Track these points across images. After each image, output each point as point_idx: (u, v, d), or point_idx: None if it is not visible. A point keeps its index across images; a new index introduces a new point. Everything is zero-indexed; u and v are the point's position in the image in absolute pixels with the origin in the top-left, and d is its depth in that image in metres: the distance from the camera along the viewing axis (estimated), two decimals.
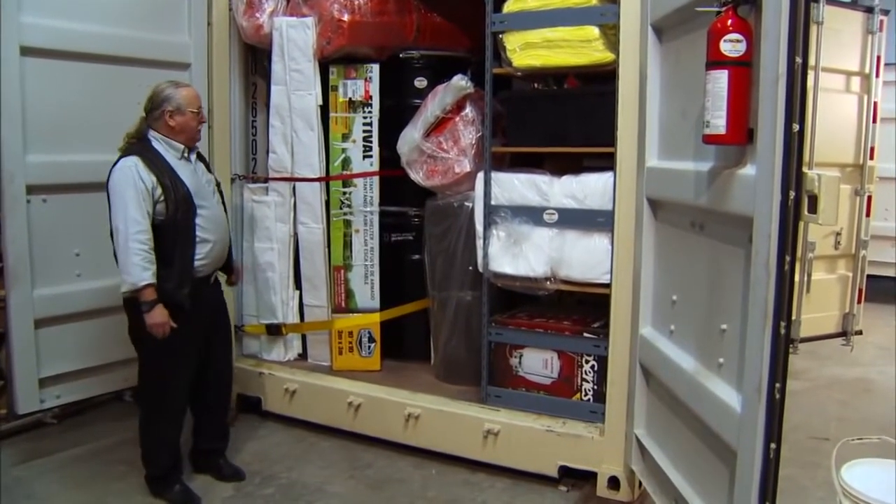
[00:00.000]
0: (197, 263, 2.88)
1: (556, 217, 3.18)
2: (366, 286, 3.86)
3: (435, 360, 3.83)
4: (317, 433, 3.69)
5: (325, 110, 3.77)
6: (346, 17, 3.54)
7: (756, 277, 1.75)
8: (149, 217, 2.74)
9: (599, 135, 3.01)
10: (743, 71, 1.83)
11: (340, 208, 3.82)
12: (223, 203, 3.12)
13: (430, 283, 3.73)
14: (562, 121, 3.19)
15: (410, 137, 3.55)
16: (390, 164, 3.71)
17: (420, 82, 3.85)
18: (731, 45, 1.81)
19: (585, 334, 3.23)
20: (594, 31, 2.99)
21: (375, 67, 3.74)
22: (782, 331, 1.69)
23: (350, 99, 3.76)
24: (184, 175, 2.85)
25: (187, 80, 3.62)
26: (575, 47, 3.05)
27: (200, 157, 3.08)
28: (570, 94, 3.26)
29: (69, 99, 3.30)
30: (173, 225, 2.79)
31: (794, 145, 1.62)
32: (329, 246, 3.84)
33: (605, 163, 3.06)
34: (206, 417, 3.22)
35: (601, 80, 3.15)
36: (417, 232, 3.90)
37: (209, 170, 3.16)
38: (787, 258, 1.66)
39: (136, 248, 2.70)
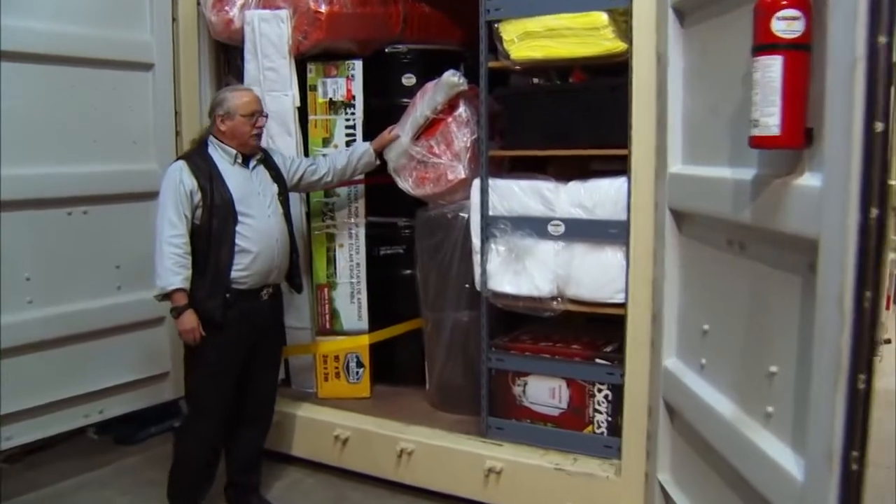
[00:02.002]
0: (235, 274, 2.75)
1: (562, 229, 2.83)
2: (352, 305, 3.51)
3: (430, 387, 3.48)
4: (301, 468, 3.40)
5: (303, 112, 3.42)
6: (323, 9, 3.18)
7: (825, 317, 1.39)
8: (187, 221, 2.70)
9: (610, 135, 2.68)
10: (801, 56, 1.47)
11: (323, 220, 3.48)
12: (287, 215, 2.95)
13: (423, 301, 3.38)
14: (567, 120, 2.84)
15: (398, 142, 3.19)
16: (377, 170, 3.35)
17: (408, 79, 3.51)
18: (786, 24, 1.44)
19: (598, 360, 2.89)
20: (602, 17, 2.64)
21: (358, 64, 3.39)
22: (861, 385, 1.32)
23: (331, 99, 3.42)
24: (232, 181, 2.77)
25: (149, 82, 3.32)
26: (581, 36, 2.70)
27: (269, 165, 2.94)
28: (576, 89, 2.91)
29: (10, 106, 2.92)
30: (209, 231, 2.72)
31: (877, 149, 1.26)
32: (311, 262, 3.50)
33: (617, 166, 2.75)
34: (239, 445, 3.03)
35: (611, 72, 2.81)
36: (409, 245, 3.55)
37: (277, 179, 2.94)
38: (868, 294, 1.29)
39: (170, 251, 2.67)
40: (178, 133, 3.45)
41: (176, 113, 3.45)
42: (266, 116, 2.92)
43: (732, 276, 1.94)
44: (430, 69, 3.34)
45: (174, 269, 2.67)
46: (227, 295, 2.74)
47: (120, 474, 3.39)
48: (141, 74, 3.31)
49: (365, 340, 3.52)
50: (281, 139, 3.35)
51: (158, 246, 2.69)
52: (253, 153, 2.88)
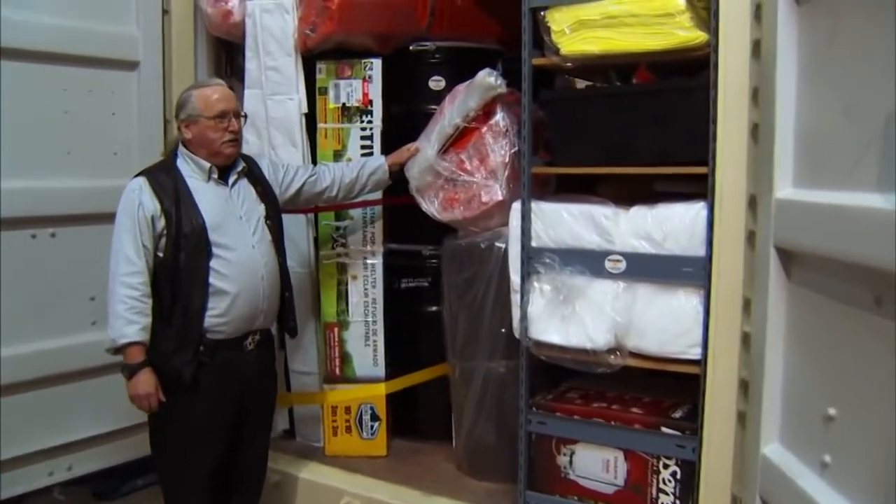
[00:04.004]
0: (210, 321, 2.26)
1: (622, 265, 2.30)
2: (366, 349, 3.00)
3: (457, 446, 2.95)
4: None
5: (311, 120, 2.95)
6: None
7: None
8: (148, 255, 2.24)
9: (684, 149, 2.20)
10: None
11: (333, 248, 2.98)
12: (277, 243, 2.46)
13: (451, 347, 2.85)
14: (630, 130, 2.32)
15: (422, 155, 2.68)
16: (398, 189, 2.85)
17: (436, 82, 3.02)
18: None
19: (664, 429, 2.32)
20: (678, 1, 2.12)
21: (377, 63, 2.90)
22: None
23: (344, 105, 2.93)
24: (206, 202, 2.29)
25: (134, 83, 2.86)
26: (649, 25, 2.17)
27: (254, 178, 2.46)
28: (642, 92, 2.35)
29: None
30: (175, 267, 2.24)
31: None
32: (319, 296, 3.00)
33: (686, 187, 2.28)
34: None
35: (684, 71, 2.31)
36: (435, 276, 3.03)
37: (265, 197, 2.45)
38: None
39: (123, 294, 2.19)
40: (167, 143, 2.98)
41: (166, 120, 2.99)
42: (244, 117, 2.43)
43: (879, 348, 1.36)
44: (461, 71, 2.85)
45: (128, 317, 2.18)
46: (201, 347, 2.24)
47: None
48: (124, 74, 2.87)
49: (381, 390, 3.01)
50: (285, 151, 2.90)
51: (111, 286, 2.21)
52: (230, 165, 2.38)
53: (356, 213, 2.94)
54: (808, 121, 1.67)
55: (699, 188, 2.27)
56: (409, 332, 3.13)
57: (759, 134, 1.84)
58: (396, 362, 3.06)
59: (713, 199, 2.09)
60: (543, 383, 2.64)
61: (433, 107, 2.91)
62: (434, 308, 3.05)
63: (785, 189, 1.72)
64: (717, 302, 2.07)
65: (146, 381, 2.20)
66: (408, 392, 3.11)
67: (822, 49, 1.61)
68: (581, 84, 2.94)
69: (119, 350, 2.21)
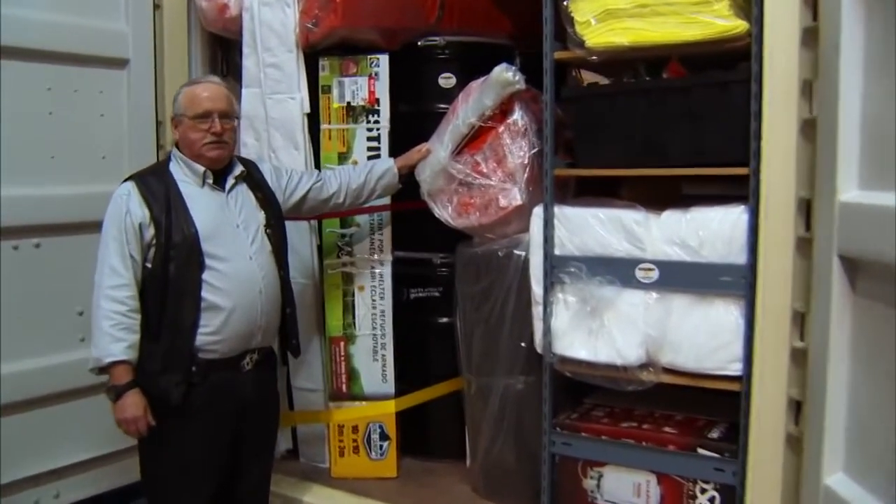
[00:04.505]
0: (202, 339, 2.06)
1: (655, 274, 2.13)
2: (375, 364, 2.81)
3: (472, 466, 2.76)
4: None
5: (314, 120, 2.76)
6: None
7: None
8: (136, 266, 2.04)
9: (720, 149, 2.05)
10: None
11: (338, 257, 2.79)
12: (279, 253, 2.25)
13: (465, 362, 2.67)
14: (660, 129, 2.15)
15: (434, 157, 2.50)
16: (407, 193, 2.66)
17: (446, 80, 2.82)
18: None
19: (701, 450, 2.15)
20: None
21: (384, 59, 2.72)
22: None
23: (349, 104, 2.74)
24: (199, 210, 2.10)
25: (123, 82, 2.68)
26: (685, 14, 2.01)
27: (254, 184, 2.26)
28: (676, 87, 2.16)
29: None
30: (164, 280, 2.04)
31: None
32: (323, 309, 2.82)
33: (716, 189, 2.20)
34: None
35: (717, 65, 2.15)
36: (447, 286, 2.85)
37: (266, 204, 2.26)
38: None
39: (109, 309, 2.00)
40: (160, 147, 2.80)
41: (158, 122, 2.78)
42: (236, 119, 2.24)
43: None
44: (473, 67, 2.67)
45: (114, 334, 1.99)
46: (192, 368, 2.05)
47: None
48: (113, 73, 2.66)
49: (391, 408, 2.82)
50: (286, 154, 2.72)
51: (95, 300, 2.03)
52: (226, 169, 2.20)
53: (362, 219, 2.76)
54: (876, 116, 1.50)
55: (732, 190, 2.13)
56: (420, 346, 2.94)
57: (817, 131, 1.67)
58: (406, 378, 2.88)
59: (757, 202, 1.93)
60: (564, 400, 2.47)
61: (442, 106, 2.74)
62: (445, 319, 2.87)
63: (850, 191, 1.55)
64: (764, 314, 1.91)
65: (134, 403, 2.00)
66: (418, 408, 2.91)
67: (892, 36, 1.44)
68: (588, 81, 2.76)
69: (104, 370, 2.02)
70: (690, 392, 2.27)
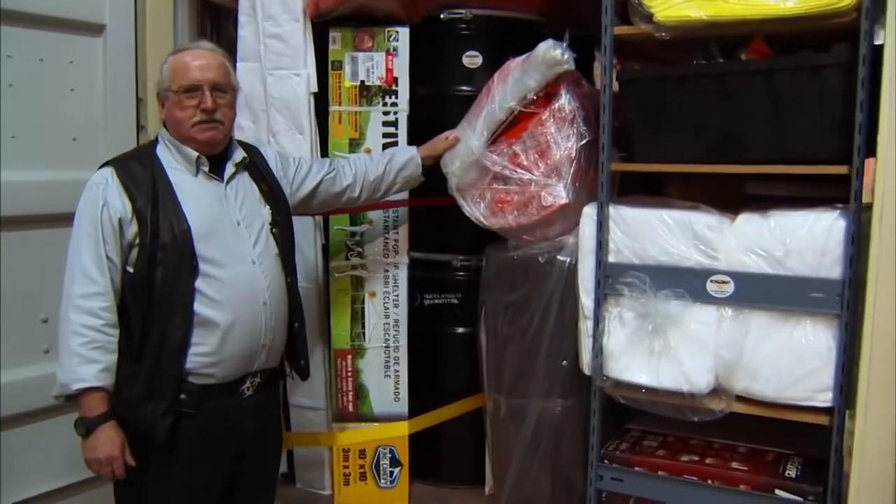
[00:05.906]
0: (194, 361, 1.74)
1: (730, 288, 1.84)
2: (386, 380, 2.51)
3: (498, 496, 2.46)
4: None
5: (321, 100, 2.44)
6: None
7: None
8: (115, 270, 1.72)
9: (810, 144, 1.77)
10: None
11: (347, 258, 2.48)
12: (286, 256, 1.92)
13: (493, 380, 2.36)
14: (737, 119, 1.87)
15: (465, 146, 2.18)
16: (428, 188, 2.35)
17: (471, 59, 2.52)
18: None
19: (779, 491, 1.87)
20: None
21: (404, 32, 2.41)
22: None
23: (363, 83, 2.43)
24: (193, 203, 1.77)
25: (98, 51, 2.33)
26: None
27: (257, 174, 1.93)
28: (759, 70, 1.86)
29: None
30: (148, 288, 1.72)
31: None
32: (328, 317, 2.50)
33: (783, 190, 1.96)
34: None
35: (811, 46, 1.83)
36: (465, 292, 2.55)
37: (271, 197, 1.93)
38: None
39: (80, 323, 1.67)
40: (140, 127, 2.44)
41: (139, 99, 2.42)
42: (233, 91, 1.88)
43: None
44: (501, 45, 2.41)
45: (85, 354, 1.65)
46: (181, 395, 1.72)
47: None
48: (86, 40, 2.29)
49: (403, 430, 2.54)
50: (288, 139, 2.41)
51: (64, 311, 1.69)
52: (224, 154, 1.87)
53: (376, 215, 2.44)
54: None
55: (807, 192, 1.88)
56: (433, 359, 2.64)
57: None
58: (417, 394, 2.58)
59: (859, 206, 1.69)
60: (609, 421, 2.18)
61: (465, 88, 2.48)
62: (462, 330, 2.59)
63: None
64: (872, 338, 1.65)
65: (108, 440, 1.67)
66: (429, 428, 2.62)
67: None
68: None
69: (72, 398, 1.68)
70: (746, 417, 2.00)
